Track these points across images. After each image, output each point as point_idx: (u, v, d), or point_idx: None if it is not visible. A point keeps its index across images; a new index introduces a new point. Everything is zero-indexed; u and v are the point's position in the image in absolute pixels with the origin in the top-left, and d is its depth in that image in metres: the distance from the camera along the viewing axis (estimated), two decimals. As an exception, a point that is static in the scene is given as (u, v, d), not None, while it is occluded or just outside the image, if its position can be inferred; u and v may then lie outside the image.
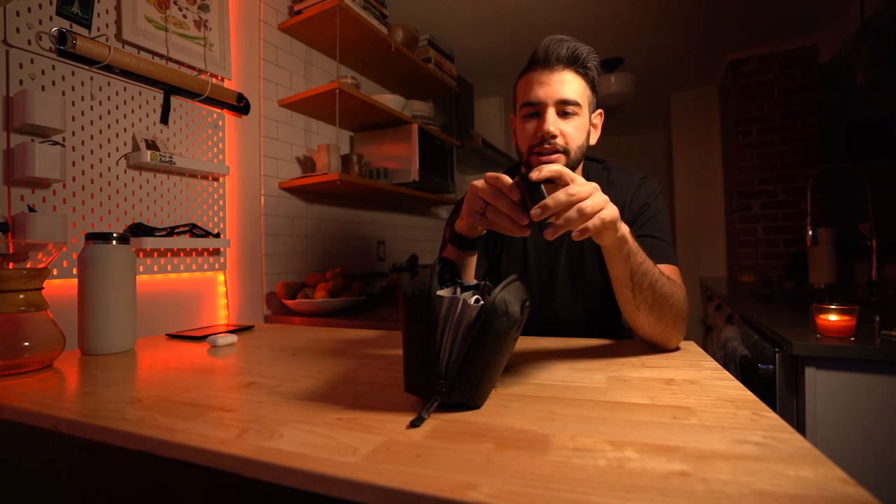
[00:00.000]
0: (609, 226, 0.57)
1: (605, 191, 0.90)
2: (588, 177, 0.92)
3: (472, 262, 0.74)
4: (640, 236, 0.80)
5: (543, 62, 0.78)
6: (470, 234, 0.69)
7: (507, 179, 0.57)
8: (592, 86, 0.82)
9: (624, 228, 0.61)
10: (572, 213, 0.53)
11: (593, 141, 0.85)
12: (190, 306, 1.28)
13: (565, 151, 0.79)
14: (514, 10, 2.22)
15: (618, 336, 0.94)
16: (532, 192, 0.54)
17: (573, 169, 0.84)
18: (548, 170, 0.54)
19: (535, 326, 0.89)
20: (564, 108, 0.78)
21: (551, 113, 0.78)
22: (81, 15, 1.04)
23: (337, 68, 1.86)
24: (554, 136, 0.77)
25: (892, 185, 1.81)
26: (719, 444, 0.37)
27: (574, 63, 0.78)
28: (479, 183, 0.60)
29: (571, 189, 0.54)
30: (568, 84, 0.78)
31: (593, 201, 0.54)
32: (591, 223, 0.54)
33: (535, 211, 0.53)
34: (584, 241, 0.89)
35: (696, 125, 3.36)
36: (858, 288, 1.96)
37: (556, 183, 0.55)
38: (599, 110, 0.87)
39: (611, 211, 0.57)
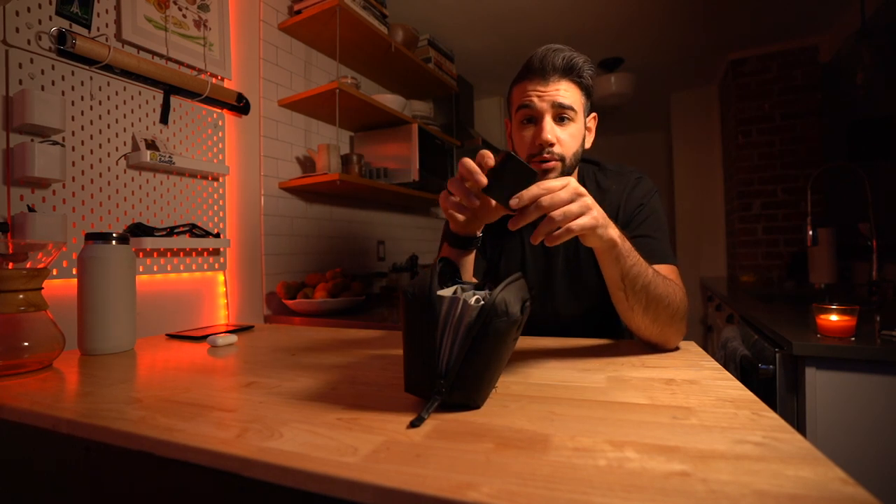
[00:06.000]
0: (588, 232, 0.57)
1: (596, 194, 0.91)
2: (582, 179, 0.92)
3: (469, 261, 0.74)
4: (636, 237, 0.81)
5: (539, 72, 0.79)
6: (461, 232, 0.69)
7: (488, 158, 0.58)
8: (587, 93, 0.83)
9: (612, 233, 0.61)
10: (539, 211, 0.55)
11: (588, 145, 0.86)
12: (190, 306, 1.28)
13: (561, 159, 0.79)
14: (514, 10, 2.22)
15: (618, 335, 0.94)
16: (517, 174, 0.56)
17: (568, 175, 0.84)
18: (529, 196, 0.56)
19: (534, 327, 0.89)
20: (560, 114, 0.79)
21: (548, 121, 0.78)
22: (81, 15, 1.03)
23: (337, 68, 1.86)
24: (551, 145, 0.78)
25: (892, 185, 1.81)
26: (719, 444, 0.37)
27: (570, 73, 0.79)
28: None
29: (546, 184, 0.56)
30: (564, 92, 0.78)
31: (566, 208, 0.55)
32: (558, 231, 0.56)
33: (513, 201, 0.56)
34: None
35: (696, 125, 3.36)
36: (858, 288, 1.96)
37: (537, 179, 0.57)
38: (593, 114, 0.88)
39: (588, 219, 0.57)
